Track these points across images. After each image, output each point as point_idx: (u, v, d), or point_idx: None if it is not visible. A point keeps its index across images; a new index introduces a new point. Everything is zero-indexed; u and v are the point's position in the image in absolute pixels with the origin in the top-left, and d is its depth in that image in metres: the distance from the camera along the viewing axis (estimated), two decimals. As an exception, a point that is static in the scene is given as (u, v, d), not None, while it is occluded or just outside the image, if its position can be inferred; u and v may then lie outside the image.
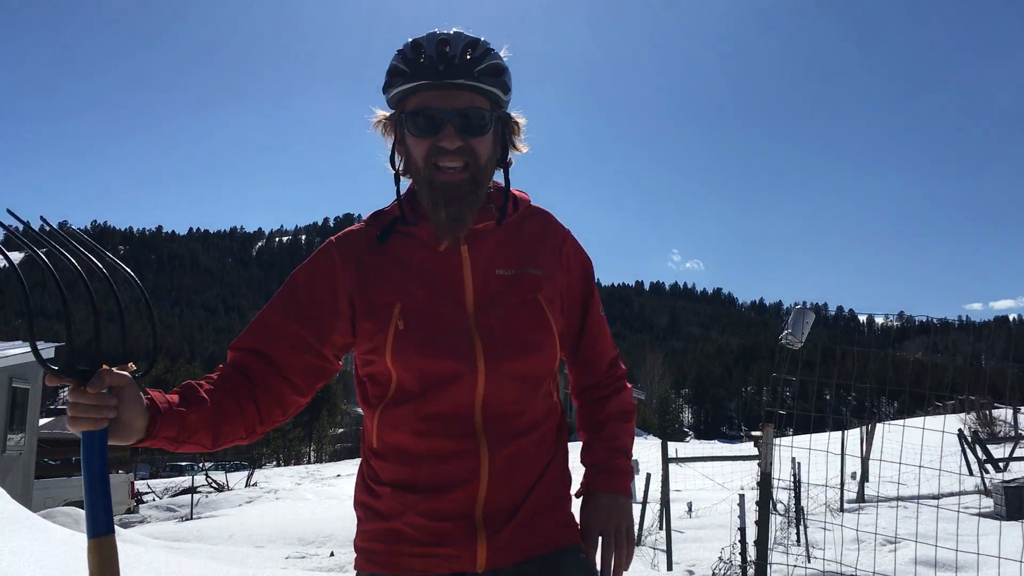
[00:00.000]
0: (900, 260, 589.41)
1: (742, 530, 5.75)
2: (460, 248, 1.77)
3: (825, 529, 9.10)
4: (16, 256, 1.49)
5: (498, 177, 1.85)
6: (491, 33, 1.73)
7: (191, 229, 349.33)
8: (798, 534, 9.10)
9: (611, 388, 1.97)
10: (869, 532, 7.18)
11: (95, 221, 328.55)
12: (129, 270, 1.58)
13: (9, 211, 1.50)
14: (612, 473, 1.88)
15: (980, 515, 9.37)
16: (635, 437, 2.04)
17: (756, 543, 4.48)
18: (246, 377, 1.74)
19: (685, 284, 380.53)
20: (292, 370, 1.77)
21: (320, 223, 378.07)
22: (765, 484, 4.27)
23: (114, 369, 1.50)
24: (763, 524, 4.37)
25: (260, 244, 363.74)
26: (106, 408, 1.47)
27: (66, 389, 1.47)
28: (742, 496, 5.95)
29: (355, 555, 1.84)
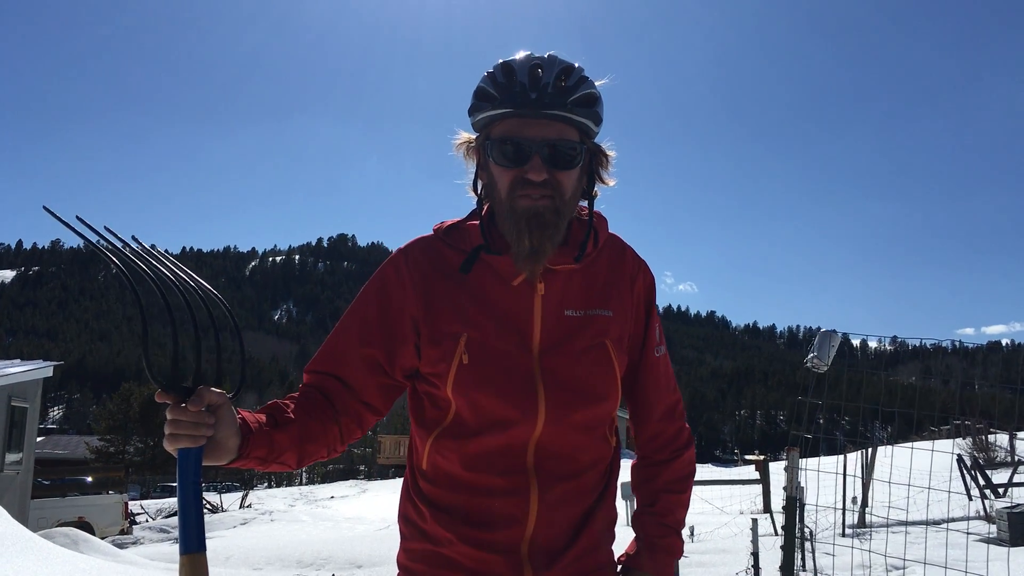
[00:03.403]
0: (892, 284, 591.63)
1: (755, 555, 5.72)
2: (535, 285, 1.72)
3: (833, 554, 9.06)
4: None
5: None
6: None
7: (184, 248, 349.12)
8: (803, 559, 9.06)
9: (669, 451, 1.87)
10: (878, 555, 7.16)
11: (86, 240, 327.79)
12: (217, 293, 1.57)
13: (107, 228, 1.48)
14: (659, 552, 1.81)
15: (985, 540, 9.36)
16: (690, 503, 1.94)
17: (782, 568, 4.45)
18: (327, 398, 1.73)
19: (679, 307, 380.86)
20: (368, 393, 1.75)
21: (314, 243, 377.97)
22: (791, 508, 4.24)
23: (211, 388, 1.49)
24: (789, 549, 4.34)
25: (253, 264, 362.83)
26: (204, 426, 1.46)
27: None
28: (755, 521, 5.94)
29: (397, 572, 1.83)
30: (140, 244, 1.52)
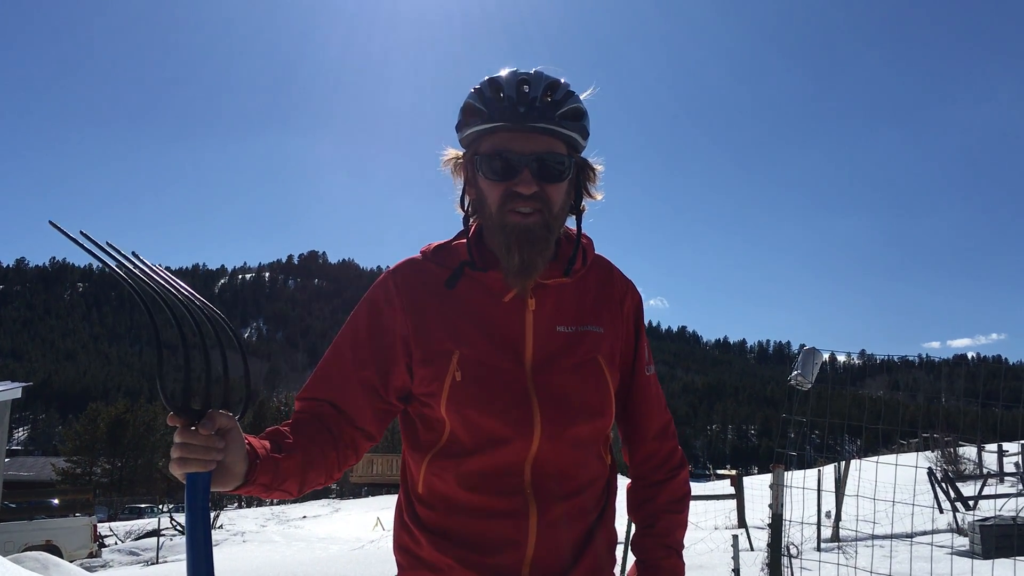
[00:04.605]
0: (860, 299, 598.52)
1: (736, 571, 5.75)
2: (526, 300, 1.71)
3: (812, 569, 9.12)
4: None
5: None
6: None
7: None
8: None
9: (664, 471, 1.87)
10: (860, 570, 7.22)
11: (53, 258, 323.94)
12: (221, 313, 1.53)
13: (109, 244, 1.43)
14: (662, 574, 1.80)
15: (958, 553, 9.48)
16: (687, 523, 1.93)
17: (768, 586, 4.47)
18: (324, 425, 1.70)
19: (650, 322, 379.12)
20: (363, 419, 1.73)
21: (284, 260, 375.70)
22: (776, 526, 4.25)
23: (221, 411, 1.45)
24: (775, 565, 4.35)
25: (223, 281, 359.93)
26: (215, 451, 1.41)
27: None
28: (735, 537, 5.97)
29: None
30: (143, 261, 1.48)
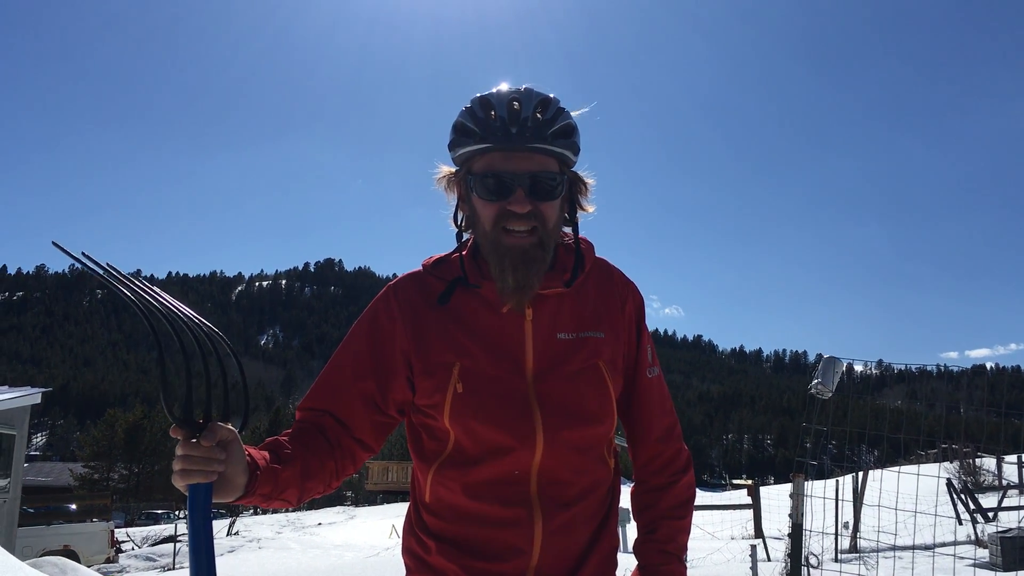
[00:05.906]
0: (877, 308, 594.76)
1: (755, 581, 5.71)
2: (524, 311, 1.74)
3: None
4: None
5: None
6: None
7: (169, 273, 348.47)
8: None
9: (668, 474, 1.87)
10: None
11: (72, 266, 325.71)
12: (217, 330, 1.57)
13: (109, 265, 1.47)
14: None
15: (978, 565, 9.39)
16: (691, 526, 1.93)
17: (789, 596, 4.44)
18: (323, 435, 1.73)
19: (665, 331, 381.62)
20: (362, 431, 1.77)
21: (300, 268, 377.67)
22: (796, 535, 4.23)
23: (222, 424, 1.49)
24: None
25: (240, 288, 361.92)
26: (216, 462, 1.45)
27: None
28: (754, 548, 5.95)
29: None
30: (142, 281, 1.52)
